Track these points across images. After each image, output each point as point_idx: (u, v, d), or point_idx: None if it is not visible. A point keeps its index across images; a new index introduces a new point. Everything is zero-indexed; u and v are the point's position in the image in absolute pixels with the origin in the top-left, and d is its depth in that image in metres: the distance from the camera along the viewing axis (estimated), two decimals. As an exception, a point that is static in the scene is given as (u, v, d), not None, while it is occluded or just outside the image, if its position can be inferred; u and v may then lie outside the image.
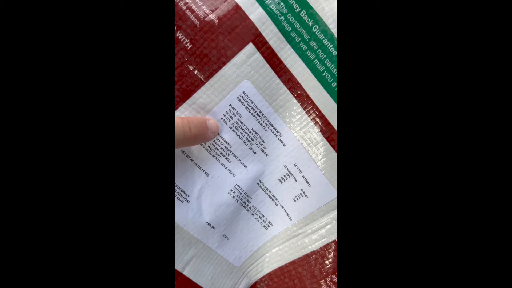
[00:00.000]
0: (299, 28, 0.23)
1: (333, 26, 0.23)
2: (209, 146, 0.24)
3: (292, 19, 0.23)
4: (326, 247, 0.25)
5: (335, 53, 0.23)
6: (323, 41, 0.23)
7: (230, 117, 0.24)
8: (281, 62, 0.24)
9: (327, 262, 0.24)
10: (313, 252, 0.25)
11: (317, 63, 0.23)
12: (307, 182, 0.25)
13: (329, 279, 0.24)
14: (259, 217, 0.27)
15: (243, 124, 0.24)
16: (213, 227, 0.25)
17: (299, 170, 0.25)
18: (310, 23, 0.23)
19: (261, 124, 0.25)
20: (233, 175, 0.25)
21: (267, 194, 0.26)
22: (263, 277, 0.27)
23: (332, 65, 0.23)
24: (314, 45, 0.23)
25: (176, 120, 0.20)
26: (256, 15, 0.22)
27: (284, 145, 0.25)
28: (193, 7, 0.22)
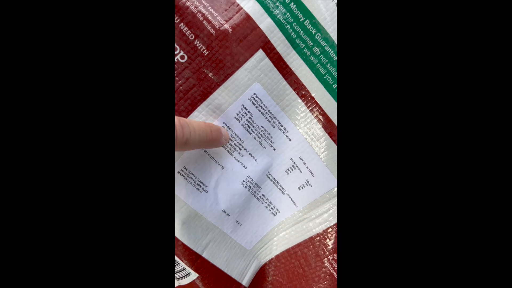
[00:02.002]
0: (303, 35, 0.26)
1: (334, 34, 0.25)
2: (224, 142, 0.27)
3: (297, 27, 0.25)
4: (328, 229, 0.28)
5: (335, 58, 0.26)
6: (325, 47, 0.26)
7: (242, 115, 0.27)
8: (287, 66, 0.26)
9: (329, 242, 0.27)
10: (317, 235, 0.28)
11: (319, 67, 0.26)
12: (311, 173, 0.28)
13: (331, 257, 0.27)
14: (268, 204, 0.30)
15: (253, 122, 0.27)
16: (228, 214, 0.28)
17: (303, 162, 0.28)
18: (313, 31, 0.26)
19: (270, 122, 0.27)
20: (245, 167, 0.28)
21: (275, 184, 0.29)
22: (272, 259, 0.30)
23: (333, 69, 0.26)
24: (316, 51, 0.26)
25: (200, 124, 0.23)
26: (265, 24, 0.25)
27: (290, 140, 0.28)
28: (209, 17, 0.24)
